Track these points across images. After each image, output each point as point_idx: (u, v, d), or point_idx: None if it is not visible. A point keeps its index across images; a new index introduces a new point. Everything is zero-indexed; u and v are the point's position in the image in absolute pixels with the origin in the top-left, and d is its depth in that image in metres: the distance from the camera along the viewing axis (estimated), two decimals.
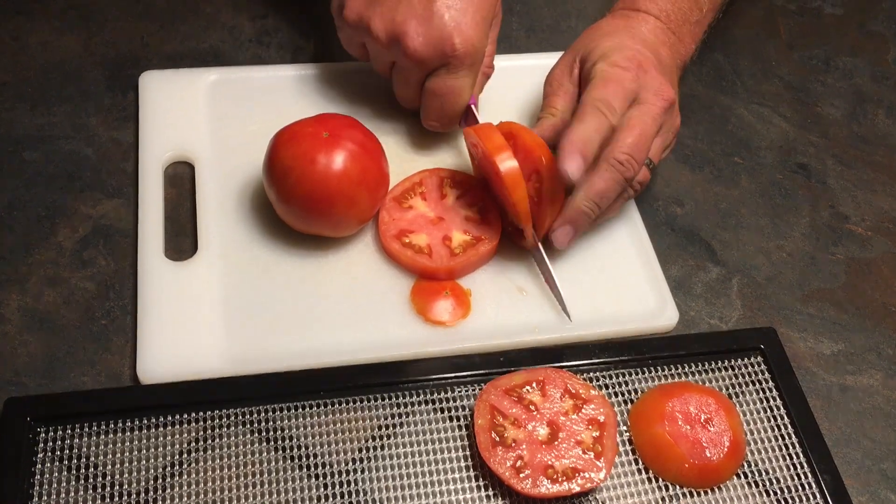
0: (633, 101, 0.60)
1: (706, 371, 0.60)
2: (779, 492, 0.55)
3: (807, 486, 0.55)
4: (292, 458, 0.53)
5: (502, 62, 0.76)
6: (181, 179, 0.65)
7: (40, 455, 0.51)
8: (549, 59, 0.76)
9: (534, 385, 0.55)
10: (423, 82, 0.64)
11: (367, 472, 0.53)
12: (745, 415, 0.58)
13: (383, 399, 0.56)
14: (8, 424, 0.51)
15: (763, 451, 0.56)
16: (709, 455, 0.54)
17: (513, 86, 0.73)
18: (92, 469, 0.51)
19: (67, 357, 0.56)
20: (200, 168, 0.65)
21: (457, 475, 0.53)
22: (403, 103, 0.67)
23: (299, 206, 0.59)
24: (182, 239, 0.62)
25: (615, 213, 0.63)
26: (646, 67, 0.61)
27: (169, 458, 0.52)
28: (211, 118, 0.68)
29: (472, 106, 0.65)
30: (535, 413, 0.54)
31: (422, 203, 0.63)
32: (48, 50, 0.72)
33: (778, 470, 0.56)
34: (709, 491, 0.54)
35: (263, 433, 0.53)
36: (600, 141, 0.58)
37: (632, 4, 0.67)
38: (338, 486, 0.52)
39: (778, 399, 0.59)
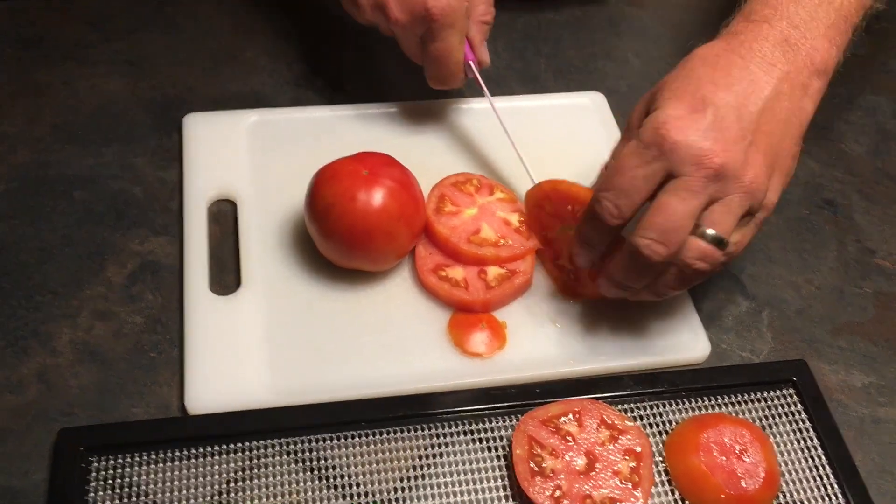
0: (669, 174, 0.53)
1: (739, 403, 0.60)
2: None
3: None
4: (335, 488, 0.54)
5: (531, 102, 0.78)
6: (224, 217, 0.67)
7: (92, 484, 0.52)
8: (577, 99, 0.79)
9: (570, 416, 0.56)
10: (420, 43, 0.67)
11: (408, 502, 0.54)
12: (778, 446, 0.58)
13: (423, 430, 0.57)
14: (61, 454, 0.53)
15: (797, 482, 0.57)
16: (745, 486, 0.54)
17: (542, 125, 0.75)
18: (143, 497, 0.52)
19: (118, 389, 0.58)
20: (243, 206, 0.67)
21: None
22: (414, 60, 0.69)
23: (340, 241, 0.61)
24: (226, 274, 0.64)
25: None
26: (684, 132, 0.52)
27: (216, 486, 0.53)
28: (252, 158, 0.70)
29: (471, 62, 0.68)
30: (572, 443, 0.55)
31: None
32: (97, 94, 0.75)
33: (813, 501, 0.56)
34: None
35: (307, 463, 0.55)
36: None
37: (749, 12, 0.58)
38: None
39: (811, 430, 0.59)
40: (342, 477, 0.54)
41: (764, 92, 0.55)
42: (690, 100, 0.53)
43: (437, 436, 0.57)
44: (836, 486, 0.57)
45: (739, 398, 0.61)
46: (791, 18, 0.57)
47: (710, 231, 0.53)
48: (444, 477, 0.55)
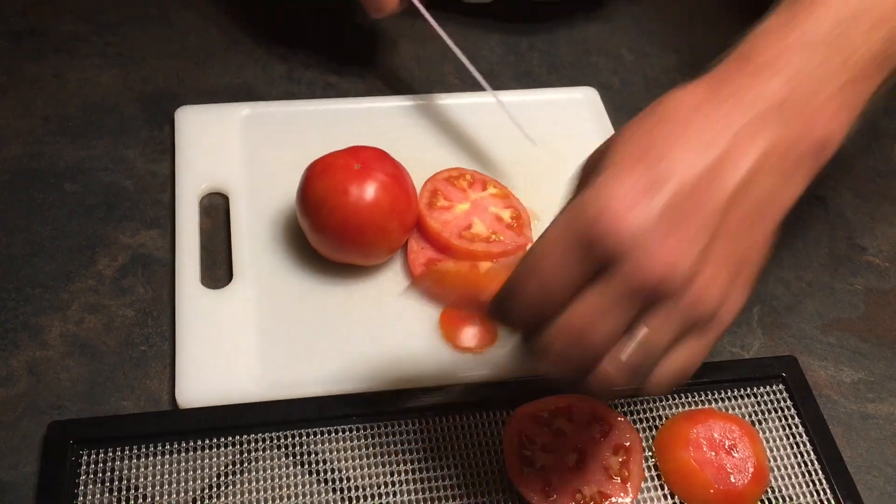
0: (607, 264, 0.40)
1: (729, 398, 0.61)
2: None
3: None
4: (326, 482, 0.54)
5: (524, 96, 0.78)
6: (216, 210, 0.67)
7: (82, 477, 0.52)
8: (570, 94, 0.79)
9: (561, 411, 0.57)
10: None
11: (399, 496, 0.54)
12: (767, 441, 0.59)
13: (414, 424, 0.57)
14: (51, 447, 0.53)
15: (786, 478, 0.57)
16: (734, 480, 0.55)
17: (534, 119, 0.75)
18: (133, 490, 0.52)
19: (108, 382, 0.58)
20: (234, 199, 0.67)
21: (486, 499, 0.54)
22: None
23: (332, 235, 0.61)
24: (217, 268, 0.64)
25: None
26: (627, 223, 0.39)
27: (207, 480, 0.53)
28: (244, 151, 0.70)
29: None
30: (562, 438, 0.55)
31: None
32: (88, 86, 0.75)
33: (801, 496, 0.57)
34: None
35: (298, 457, 0.55)
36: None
37: (748, 51, 0.45)
38: None
39: (800, 426, 0.60)
40: (333, 471, 0.55)
41: (743, 165, 0.42)
42: (644, 173, 0.40)
43: (428, 430, 0.57)
44: (824, 481, 0.57)
45: (729, 394, 0.61)
46: (798, 67, 0.44)
47: (631, 347, 0.42)
48: (435, 471, 0.55)
